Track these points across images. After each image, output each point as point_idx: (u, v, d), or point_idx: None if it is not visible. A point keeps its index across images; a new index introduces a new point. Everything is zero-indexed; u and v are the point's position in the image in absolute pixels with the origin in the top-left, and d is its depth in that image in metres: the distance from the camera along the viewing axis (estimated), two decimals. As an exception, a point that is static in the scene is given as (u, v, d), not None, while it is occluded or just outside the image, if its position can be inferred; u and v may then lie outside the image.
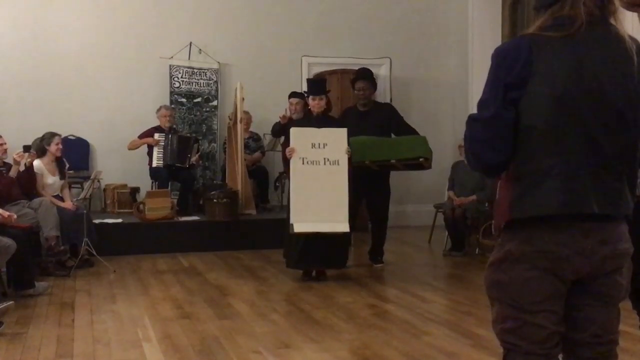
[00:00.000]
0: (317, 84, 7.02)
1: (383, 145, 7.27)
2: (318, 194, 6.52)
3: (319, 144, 6.58)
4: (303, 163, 6.57)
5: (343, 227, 6.57)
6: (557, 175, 2.11)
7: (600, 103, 2.11)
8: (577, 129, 2.11)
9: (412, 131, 7.88)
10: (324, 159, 6.58)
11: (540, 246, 2.14)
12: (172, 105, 9.91)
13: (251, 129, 9.92)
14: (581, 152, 2.11)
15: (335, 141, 6.61)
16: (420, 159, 7.52)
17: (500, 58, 2.18)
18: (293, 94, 8.69)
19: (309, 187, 6.53)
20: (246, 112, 9.45)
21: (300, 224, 6.50)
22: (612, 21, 2.17)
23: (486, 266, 2.29)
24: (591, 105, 2.11)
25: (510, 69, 2.13)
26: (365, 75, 7.74)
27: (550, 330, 2.19)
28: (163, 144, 9.15)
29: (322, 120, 6.80)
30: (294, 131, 6.65)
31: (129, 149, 9.24)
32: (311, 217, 6.50)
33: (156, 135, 9.17)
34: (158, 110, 9.37)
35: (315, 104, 6.78)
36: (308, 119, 6.92)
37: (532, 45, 2.13)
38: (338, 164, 6.59)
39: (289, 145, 6.76)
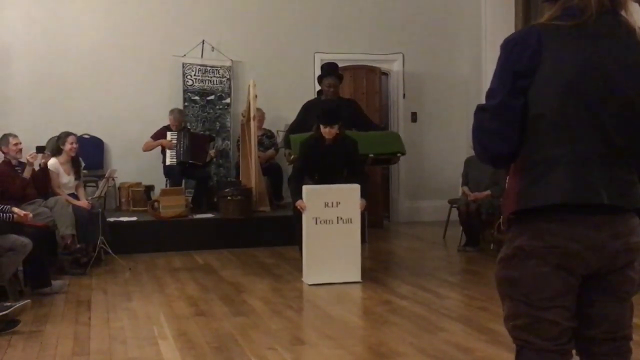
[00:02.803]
0: (331, 113, 6.92)
1: (361, 140, 7.27)
2: (331, 253, 6.52)
3: (332, 202, 6.54)
4: (316, 223, 6.53)
5: (355, 277, 6.57)
6: (566, 164, 2.09)
7: (610, 92, 2.09)
8: (586, 117, 2.09)
9: (375, 126, 8.19)
10: (337, 217, 6.55)
11: (551, 241, 2.12)
12: (185, 103, 9.94)
13: (264, 125, 9.93)
14: (590, 141, 2.09)
15: (348, 199, 6.57)
16: (398, 154, 7.88)
17: (509, 47, 2.16)
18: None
19: (322, 246, 6.52)
20: (259, 109, 9.47)
21: (313, 278, 6.54)
22: (623, 12, 2.15)
23: (496, 262, 2.28)
24: (600, 94, 2.09)
25: (519, 58, 2.11)
26: (333, 72, 7.80)
27: (563, 326, 2.17)
28: (175, 142, 9.19)
29: (333, 147, 6.80)
30: (307, 190, 6.60)
31: (144, 150, 9.29)
32: (324, 275, 6.51)
33: (168, 135, 9.21)
34: (171, 112, 9.39)
35: (327, 132, 6.76)
36: (319, 144, 6.87)
37: (542, 34, 2.11)
38: (351, 222, 6.58)
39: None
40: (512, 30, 9.38)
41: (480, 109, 2.20)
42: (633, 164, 2.16)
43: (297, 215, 6.75)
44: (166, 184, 9.29)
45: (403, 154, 8.17)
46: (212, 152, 9.45)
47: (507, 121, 2.13)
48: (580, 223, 2.11)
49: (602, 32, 2.11)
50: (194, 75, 10.08)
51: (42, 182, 7.36)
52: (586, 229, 2.11)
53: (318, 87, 8.84)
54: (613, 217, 2.12)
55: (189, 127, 9.68)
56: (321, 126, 6.78)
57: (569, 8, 2.13)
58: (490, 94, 2.18)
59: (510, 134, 2.14)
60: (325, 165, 6.85)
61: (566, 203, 2.09)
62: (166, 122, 9.37)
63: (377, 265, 7.51)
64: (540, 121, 2.11)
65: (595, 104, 2.09)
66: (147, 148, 9.30)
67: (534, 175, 2.13)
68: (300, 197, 6.60)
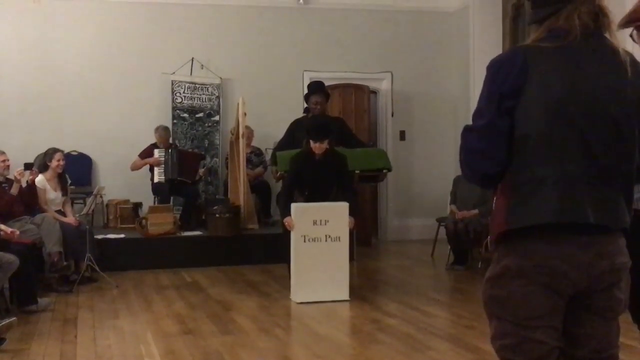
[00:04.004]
0: (321, 129, 6.91)
1: (346, 156, 7.27)
2: (319, 271, 6.50)
3: (321, 220, 6.52)
4: (304, 241, 6.52)
5: (343, 295, 6.56)
6: (553, 184, 2.10)
7: (595, 112, 2.12)
8: (573, 138, 2.11)
9: (362, 144, 8.24)
10: (326, 235, 6.54)
11: (538, 261, 2.13)
12: (174, 121, 9.95)
13: (253, 143, 9.93)
14: (577, 161, 2.11)
15: (336, 217, 6.55)
16: (384, 171, 7.98)
17: (495, 68, 2.19)
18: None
19: (311, 264, 6.51)
20: (248, 127, 9.48)
21: (301, 296, 6.52)
22: (607, 34, 2.18)
23: (483, 282, 2.29)
24: (586, 115, 2.11)
25: (505, 79, 2.14)
26: (319, 89, 7.84)
27: (550, 345, 2.17)
28: (163, 159, 9.18)
29: (323, 162, 6.78)
30: (295, 208, 6.58)
31: (132, 169, 9.28)
32: (312, 293, 6.50)
33: (156, 153, 9.20)
34: (156, 131, 9.37)
35: (317, 147, 6.74)
36: (309, 160, 6.86)
37: (527, 56, 2.14)
38: (339, 240, 6.56)
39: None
40: (500, 50, 9.51)
41: (467, 130, 2.22)
42: (619, 184, 2.17)
43: (286, 232, 6.75)
44: (154, 201, 9.27)
45: (389, 170, 8.21)
46: (201, 172, 9.45)
47: (494, 141, 2.15)
48: (567, 243, 2.12)
49: (586, 53, 2.14)
50: (183, 92, 10.09)
51: (30, 199, 7.32)
52: (573, 249, 2.12)
53: (306, 106, 8.87)
54: (600, 236, 2.14)
55: (177, 144, 9.68)
56: (311, 142, 6.79)
57: (554, 30, 2.16)
58: (477, 115, 2.20)
59: (497, 154, 2.16)
60: (315, 180, 6.85)
61: (553, 223, 2.10)
62: (154, 140, 9.37)
63: (365, 284, 7.50)
64: (526, 141, 2.13)
65: (580, 124, 2.11)
66: (135, 167, 9.29)
67: (521, 195, 2.14)
68: (289, 214, 6.60)
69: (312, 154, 6.81)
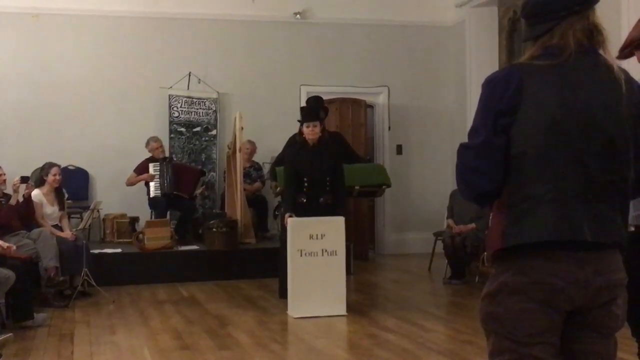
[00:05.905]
0: (311, 110, 6.91)
1: (346, 172, 7.24)
2: (316, 285, 6.48)
3: (317, 235, 6.51)
4: (301, 255, 6.50)
5: (340, 310, 6.54)
6: (549, 202, 2.11)
7: (591, 130, 2.13)
8: (568, 155, 2.12)
9: (359, 158, 8.26)
10: (322, 250, 6.52)
11: (535, 277, 2.13)
12: (171, 135, 9.96)
13: (255, 158, 9.95)
14: (573, 178, 2.12)
15: (333, 231, 6.54)
16: (383, 186, 8.05)
17: (490, 86, 2.20)
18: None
19: (307, 279, 6.49)
20: (251, 142, 9.56)
21: (298, 311, 6.50)
22: (601, 51, 2.19)
23: (480, 298, 2.29)
24: (581, 132, 2.12)
25: (500, 97, 2.15)
26: (318, 104, 7.89)
27: (548, 362, 2.18)
28: (158, 174, 9.18)
29: (318, 150, 6.75)
30: (291, 222, 6.56)
31: (127, 185, 9.29)
32: (309, 308, 6.47)
33: (151, 167, 9.21)
34: (147, 144, 9.38)
35: (310, 131, 6.70)
36: (304, 149, 6.83)
37: (522, 73, 2.15)
38: (336, 254, 6.55)
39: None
40: (497, 64, 9.54)
41: (463, 148, 2.23)
42: (615, 201, 2.18)
43: (283, 247, 6.73)
44: (151, 216, 9.26)
45: (388, 185, 8.24)
46: (197, 192, 9.48)
47: (490, 159, 2.16)
48: (564, 259, 2.12)
49: (581, 70, 2.16)
50: (180, 107, 10.10)
51: (26, 214, 7.31)
52: (570, 266, 2.12)
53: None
54: (596, 253, 2.14)
55: (174, 158, 9.69)
56: (304, 127, 6.76)
57: (549, 47, 2.18)
58: (473, 133, 2.21)
59: (493, 172, 2.17)
60: (312, 170, 6.74)
61: (550, 240, 2.11)
62: (150, 154, 9.38)
63: (362, 298, 7.49)
64: (523, 159, 2.14)
65: (577, 142, 2.12)
66: (130, 183, 9.30)
67: (517, 212, 2.15)
68: (292, 211, 6.60)
69: (306, 143, 6.76)
